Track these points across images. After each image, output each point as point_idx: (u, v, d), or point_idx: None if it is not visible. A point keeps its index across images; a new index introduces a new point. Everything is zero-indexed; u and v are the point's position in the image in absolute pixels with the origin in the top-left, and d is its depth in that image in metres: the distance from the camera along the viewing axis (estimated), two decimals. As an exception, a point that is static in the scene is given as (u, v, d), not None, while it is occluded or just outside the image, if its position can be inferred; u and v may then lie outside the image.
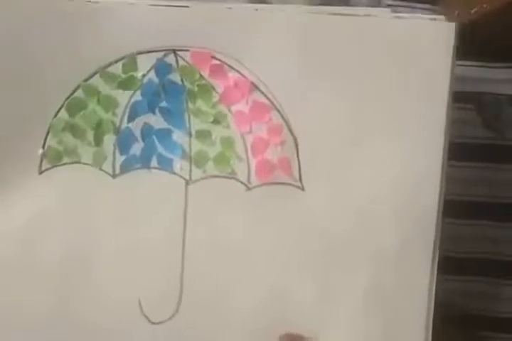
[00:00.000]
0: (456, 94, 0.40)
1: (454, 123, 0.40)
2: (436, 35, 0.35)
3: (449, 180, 0.39)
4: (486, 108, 0.43)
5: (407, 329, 0.36)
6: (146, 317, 0.35)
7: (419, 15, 0.36)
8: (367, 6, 0.41)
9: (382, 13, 0.35)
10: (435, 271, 0.36)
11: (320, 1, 0.40)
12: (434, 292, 0.36)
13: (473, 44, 0.39)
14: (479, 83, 0.43)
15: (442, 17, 0.35)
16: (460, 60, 0.39)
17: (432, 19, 0.35)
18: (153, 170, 0.36)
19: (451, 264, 0.41)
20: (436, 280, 0.40)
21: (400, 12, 0.37)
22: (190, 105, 0.35)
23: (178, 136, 0.36)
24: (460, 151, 0.41)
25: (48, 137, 0.35)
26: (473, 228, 0.42)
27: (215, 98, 0.35)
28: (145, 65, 0.35)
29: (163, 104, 0.35)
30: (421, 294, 0.36)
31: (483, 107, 0.43)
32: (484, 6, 0.37)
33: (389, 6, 0.41)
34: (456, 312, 0.41)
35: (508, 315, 0.42)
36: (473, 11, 0.37)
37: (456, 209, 0.40)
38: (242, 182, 0.35)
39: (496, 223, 0.42)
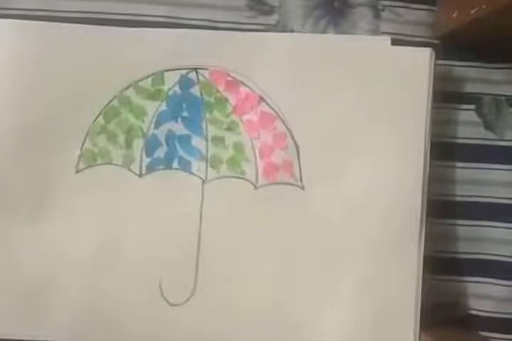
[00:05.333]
0: (455, 94, 0.41)
1: (453, 124, 0.41)
2: (414, 58, 0.38)
3: (449, 181, 0.41)
4: (486, 109, 0.41)
5: (396, 320, 0.37)
6: (166, 299, 0.38)
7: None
8: (364, 6, 0.41)
9: (368, 40, 0.39)
10: (421, 262, 0.38)
11: (319, 11, 0.40)
12: (421, 287, 0.37)
13: (473, 45, 0.40)
14: (479, 84, 0.41)
15: (421, 49, 0.38)
16: (460, 60, 0.41)
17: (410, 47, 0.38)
18: (175, 171, 0.38)
19: (451, 265, 0.41)
20: (437, 281, 0.40)
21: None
22: (208, 115, 0.38)
23: (196, 141, 0.38)
24: (460, 152, 0.41)
25: (86, 140, 0.38)
26: (474, 229, 0.41)
27: (229, 109, 0.38)
28: (171, 80, 0.38)
29: (185, 113, 0.38)
30: (409, 287, 0.37)
31: (483, 108, 0.41)
32: (484, 6, 0.34)
33: (386, 6, 0.41)
34: (456, 312, 0.40)
35: (509, 315, 0.40)
36: (472, 12, 0.35)
37: (456, 210, 0.41)
38: (250, 182, 0.38)
39: (496, 224, 0.40)
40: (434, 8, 0.41)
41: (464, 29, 0.37)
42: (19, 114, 0.38)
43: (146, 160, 0.38)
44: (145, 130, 0.38)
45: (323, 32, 0.41)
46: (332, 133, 0.38)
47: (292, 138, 0.38)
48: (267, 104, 0.38)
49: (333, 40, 0.39)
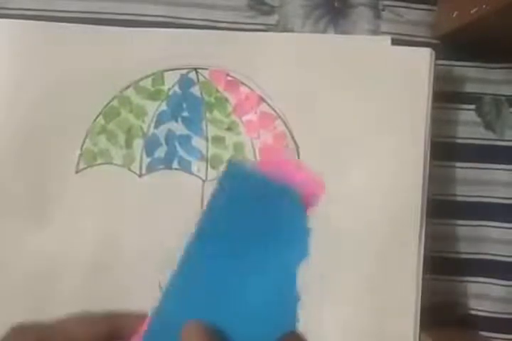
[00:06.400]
0: (456, 94, 0.41)
1: (453, 124, 0.41)
2: (414, 58, 0.38)
3: (449, 181, 0.41)
4: (486, 109, 0.41)
5: (396, 320, 0.37)
6: None
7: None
8: (364, 6, 0.41)
9: (366, 40, 0.39)
10: (421, 262, 0.37)
11: (319, 11, 0.40)
12: (421, 287, 0.37)
13: (473, 45, 0.40)
14: (479, 84, 0.41)
15: (421, 48, 0.38)
16: (460, 60, 0.41)
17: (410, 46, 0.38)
18: (175, 171, 0.38)
19: (451, 265, 0.41)
20: (437, 281, 0.41)
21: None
22: (208, 115, 0.38)
23: (196, 141, 0.38)
24: (460, 152, 0.41)
25: (86, 140, 0.38)
26: (473, 229, 0.41)
27: (229, 109, 0.38)
28: (171, 80, 0.38)
29: (185, 113, 0.38)
30: (409, 287, 0.37)
31: (483, 108, 0.41)
32: (484, 6, 0.34)
33: (386, 6, 0.41)
34: (456, 312, 0.41)
35: (508, 315, 0.40)
36: (472, 12, 0.35)
37: (456, 210, 0.41)
38: (250, 182, 0.39)
39: (496, 224, 0.41)
40: (435, 7, 0.41)
41: (464, 29, 0.38)
42: (19, 114, 0.38)
43: (146, 160, 0.38)
44: (145, 130, 0.38)
45: (323, 32, 0.41)
46: (332, 134, 0.38)
47: (292, 138, 0.38)
48: (267, 104, 0.38)
49: (333, 40, 0.39)
